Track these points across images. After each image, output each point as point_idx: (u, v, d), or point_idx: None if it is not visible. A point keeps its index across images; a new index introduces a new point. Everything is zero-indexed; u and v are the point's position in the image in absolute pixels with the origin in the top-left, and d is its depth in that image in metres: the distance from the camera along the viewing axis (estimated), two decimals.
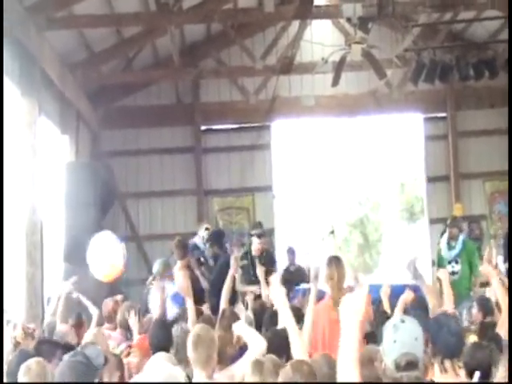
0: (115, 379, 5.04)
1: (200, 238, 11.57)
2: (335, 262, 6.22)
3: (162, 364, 4.45)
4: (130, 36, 12.23)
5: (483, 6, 10.67)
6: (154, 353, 5.35)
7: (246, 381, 3.98)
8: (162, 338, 5.54)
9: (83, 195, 11.25)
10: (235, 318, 5.68)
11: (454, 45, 12.26)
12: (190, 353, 4.51)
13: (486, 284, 7.66)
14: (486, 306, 6.51)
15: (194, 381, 4.38)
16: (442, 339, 4.09)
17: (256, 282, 8.52)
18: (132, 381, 4.93)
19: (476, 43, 12.59)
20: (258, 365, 4.01)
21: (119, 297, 7.94)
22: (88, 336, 5.86)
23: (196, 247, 11.43)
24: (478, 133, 14.63)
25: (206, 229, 11.71)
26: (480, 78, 11.63)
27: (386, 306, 6.49)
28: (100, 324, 7.33)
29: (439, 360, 4.06)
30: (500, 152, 14.34)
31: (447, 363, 4.05)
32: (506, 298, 5.15)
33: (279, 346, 4.77)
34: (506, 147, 14.31)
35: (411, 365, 3.16)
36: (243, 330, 4.95)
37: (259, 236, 9.71)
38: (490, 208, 14.74)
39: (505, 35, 11.83)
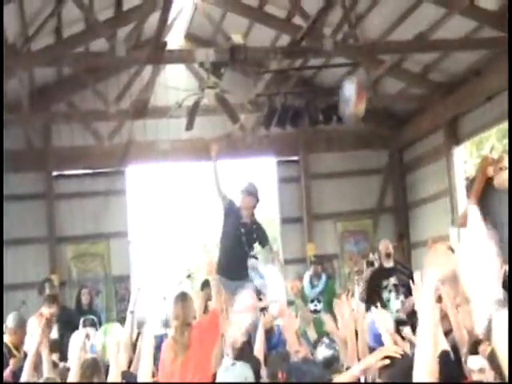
0: None
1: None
2: (181, 300, 5.86)
3: None
4: None
5: (330, 53, 11.09)
6: None
7: None
8: None
9: None
10: None
11: (304, 90, 12.62)
12: None
13: None
14: None
15: None
16: None
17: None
18: None
19: (325, 89, 13.05)
20: None
21: None
22: None
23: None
24: (329, 175, 15.11)
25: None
26: (328, 122, 12.00)
27: None
28: None
29: None
30: (350, 193, 14.91)
31: None
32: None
33: None
34: (356, 188, 14.93)
35: None
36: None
37: (250, 193, 7.87)
38: (341, 247, 15.20)
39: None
